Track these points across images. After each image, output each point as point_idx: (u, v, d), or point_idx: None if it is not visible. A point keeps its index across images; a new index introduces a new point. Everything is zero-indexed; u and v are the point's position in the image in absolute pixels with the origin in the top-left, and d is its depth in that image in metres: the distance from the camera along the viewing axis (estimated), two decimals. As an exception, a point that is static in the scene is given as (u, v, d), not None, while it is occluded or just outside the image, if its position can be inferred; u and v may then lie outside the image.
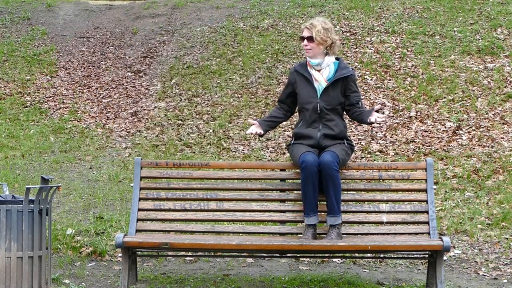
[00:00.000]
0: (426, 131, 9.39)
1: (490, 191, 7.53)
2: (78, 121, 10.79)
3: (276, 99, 10.55)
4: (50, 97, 11.82)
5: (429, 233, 5.18)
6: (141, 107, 11.25)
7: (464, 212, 6.99)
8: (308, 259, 6.08)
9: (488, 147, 8.77)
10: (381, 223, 5.32)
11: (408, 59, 11.66)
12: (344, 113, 5.45)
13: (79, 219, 6.88)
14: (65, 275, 5.63)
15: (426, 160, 5.42)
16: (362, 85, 10.86)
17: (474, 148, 8.77)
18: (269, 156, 9.03)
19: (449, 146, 8.92)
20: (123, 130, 10.42)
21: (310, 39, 5.29)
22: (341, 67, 5.35)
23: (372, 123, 5.16)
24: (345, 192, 5.40)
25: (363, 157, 8.75)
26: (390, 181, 5.47)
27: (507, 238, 6.44)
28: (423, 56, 11.68)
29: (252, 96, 11.04)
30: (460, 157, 8.50)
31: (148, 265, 6.01)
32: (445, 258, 5.73)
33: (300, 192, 5.22)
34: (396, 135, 9.38)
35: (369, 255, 5.75)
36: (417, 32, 12.54)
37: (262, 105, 10.67)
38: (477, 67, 11.10)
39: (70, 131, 10.35)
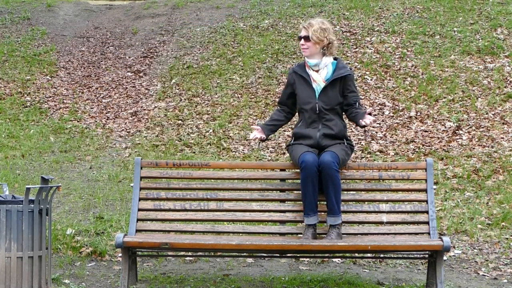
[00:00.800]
0: (426, 131, 9.39)
1: (490, 191, 7.53)
2: (78, 121, 10.79)
3: (276, 99, 10.63)
4: (50, 97, 11.82)
5: (429, 233, 5.18)
6: (141, 107, 11.25)
7: (464, 212, 6.99)
8: (308, 259, 6.08)
9: (488, 147, 8.77)
10: (381, 223, 5.32)
11: (408, 59, 11.66)
12: (344, 113, 5.45)
13: (79, 219, 6.88)
14: (65, 275, 5.63)
15: (426, 160, 5.42)
16: (362, 85, 10.86)
17: (474, 148, 8.77)
18: (269, 156, 9.03)
19: (449, 146, 8.92)
20: (123, 130, 10.42)
21: (307, 38, 5.30)
22: (339, 67, 5.36)
23: (364, 126, 5.16)
24: (345, 192, 5.40)
25: (363, 157, 8.75)
26: (390, 181, 5.47)
27: (507, 238, 6.44)
28: (423, 56, 11.68)
29: (252, 96, 11.04)
30: (460, 157, 8.50)
31: (148, 265, 6.01)
32: (445, 258, 5.73)
33: (300, 192, 5.22)
34: (396, 135, 9.38)
35: (369, 255, 5.75)
36: (417, 32, 12.54)
37: (262, 105, 10.67)
38: (477, 67, 11.10)
39: (70, 131, 10.35)
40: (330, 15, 13.75)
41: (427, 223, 5.23)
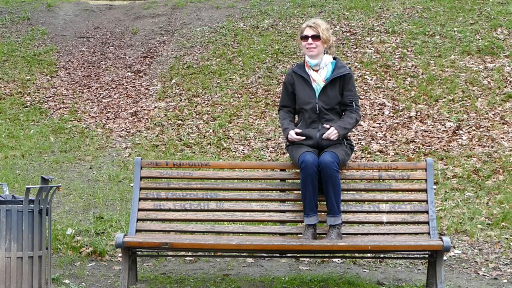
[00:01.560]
0: (426, 131, 9.39)
1: (490, 191, 7.52)
2: (78, 121, 10.79)
3: (276, 99, 10.63)
4: (50, 97, 11.82)
5: (429, 233, 5.18)
6: (141, 107, 11.25)
7: (464, 212, 6.99)
8: (308, 259, 6.08)
9: (488, 147, 8.77)
10: (381, 223, 5.32)
11: (408, 59, 11.65)
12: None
13: (79, 219, 6.88)
14: (65, 275, 5.63)
15: (426, 160, 5.42)
16: (362, 85, 10.86)
17: (474, 148, 8.77)
18: (269, 156, 9.03)
19: (449, 146, 8.92)
20: (123, 130, 10.42)
21: (316, 37, 5.31)
22: (338, 66, 5.37)
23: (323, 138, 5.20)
24: (345, 192, 5.40)
25: (363, 157, 8.75)
26: (390, 181, 5.46)
27: (507, 238, 6.44)
28: (423, 56, 11.68)
29: (252, 96, 11.04)
30: (460, 157, 8.50)
31: (148, 265, 6.00)
32: (445, 258, 5.73)
33: (300, 192, 5.22)
34: (396, 135, 9.38)
35: (369, 255, 5.75)
36: (417, 32, 12.54)
37: (262, 105, 10.67)
38: (477, 67, 11.10)
39: (70, 131, 10.35)
40: (330, 15, 13.75)
41: (427, 223, 5.23)
